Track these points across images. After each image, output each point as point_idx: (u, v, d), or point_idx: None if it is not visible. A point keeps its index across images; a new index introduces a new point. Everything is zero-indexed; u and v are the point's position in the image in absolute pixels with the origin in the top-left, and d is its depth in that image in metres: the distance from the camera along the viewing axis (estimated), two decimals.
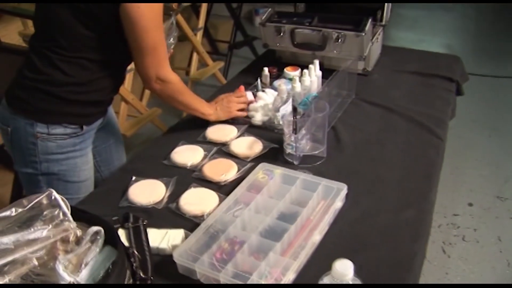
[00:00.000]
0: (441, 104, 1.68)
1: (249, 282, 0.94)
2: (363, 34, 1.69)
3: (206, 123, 1.59)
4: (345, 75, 1.67)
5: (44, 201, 1.01)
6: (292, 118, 1.35)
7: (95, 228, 0.97)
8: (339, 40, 1.73)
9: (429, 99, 1.71)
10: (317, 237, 1.08)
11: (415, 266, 1.06)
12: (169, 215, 1.21)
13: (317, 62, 1.71)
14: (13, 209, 0.95)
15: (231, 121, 1.60)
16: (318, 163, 1.39)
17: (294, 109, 1.37)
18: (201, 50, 3.33)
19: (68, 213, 1.00)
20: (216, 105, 1.58)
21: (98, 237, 0.97)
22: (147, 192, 1.28)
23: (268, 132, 1.54)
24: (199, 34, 3.38)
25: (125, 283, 0.91)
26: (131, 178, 1.34)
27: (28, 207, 0.97)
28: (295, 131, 1.34)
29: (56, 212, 1.00)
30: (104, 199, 1.30)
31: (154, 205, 1.24)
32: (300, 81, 1.61)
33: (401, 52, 2.14)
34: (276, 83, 1.73)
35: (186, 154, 1.43)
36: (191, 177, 1.35)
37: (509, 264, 2.14)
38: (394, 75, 1.89)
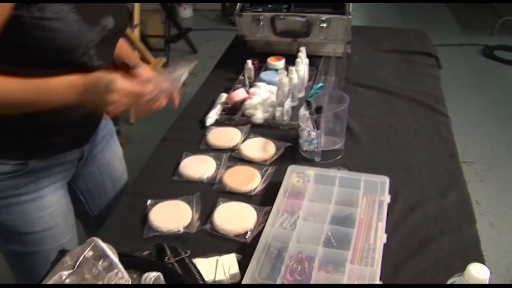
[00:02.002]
0: (432, 80, 1.68)
1: None
2: (349, 17, 1.63)
3: (201, 128, 1.46)
4: (333, 60, 1.60)
5: (89, 254, 0.84)
6: (310, 114, 1.26)
7: (151, 275, 0.83)
8: (324, 25, 1.66)
9: (417, 77, 1.70)
10: (383, 236, 1.01)
11: (481, 251, 1.03)
12: (207, 238, 1.08)
13: (303, 49, 1.63)
14: (61, 274, 0.78)
15: (229, 122, 1.47)
16: (338, 157, 1.32)
17: (309, 104, 1.28)
18: (141, 47, 3.10)
19: (119, 264, 0.84)
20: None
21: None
22: (172, 215, 1.13)
23: (272, 130, 1.44)
24: (136, 31, 3.14)
25: None
26: (146, 202, 1.17)
27: (76, 267, 0.80)
28: (316, 126, 1.25)
29: (104, 265, 0.84)
30: (120, 232, 1.12)
31: (186, 229, 1.10)
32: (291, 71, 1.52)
33: (369, 31, 2.12)
34: (266, 76, 1.63)
35: (197, 166, 1.29)
36: (213, 190, 1.21)
37: (491, 224, 2.24)
38: (374, 55, 1.86)
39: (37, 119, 1.01)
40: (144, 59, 3.23)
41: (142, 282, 0.83)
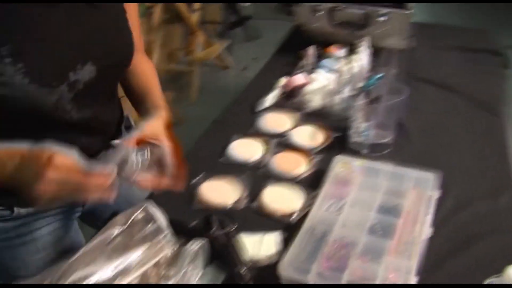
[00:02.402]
0: (495, 80, 1.63)
1: None
2: (409, 12, 1.61)
3: (254, 112, 1.49)
4: (394, 53, 1.59)
5: (140, 216, 0.89)
6: (365, 104, 1.26)
7: (194, 246, 0.87)
8: (383, 19, 1.65)
9: (480, 76, 1.65)
10: (428, 230, 1.01)
11: None
12: (253, 216, 1.11)
13: (366, 40, 1.61)
14: (111, 233, 0.84)
15: (285, 106, 1.49)
16: (386, 151, 1.31)
17: (366, 94, 1.28)
18: (200, 32, 3.18)
19: (167, 228, 0.89)
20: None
21: (199, 256, 0.87)
22: (221, 191, 1.17)
23: (326, 118, 1.44)
24: (196, 15, 3.21)
25: None
26: (197, 177, 1.22)
27: (127, 225, 0.86)
28: (369, 117, 1.25)
29: (152, 228, 0.89)
30: (170, 203, 1.16)
31: (233, 206, 1.14)
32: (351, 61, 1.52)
33: (433, 28, 2.07)
34: (326, 63, 1.63)
35: (245, 150, 1.32)
36: (260, 173, 1.24)
37: None
38: (436, 52, 1.82)
39: None
40: (206, 43, 3.30)
41: (187, 248, 0.87)
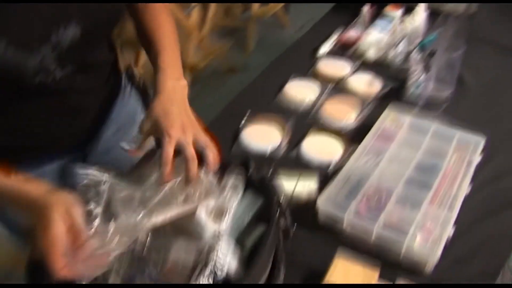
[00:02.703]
0: None
1: (405, 235, 0.87)
2: None
3: (312, 57, 1.48)
4: (451, 15, 1.51)
5: None
6: (422, 56, 1.21)
7: (232, 178, 0.89)
8: None
9: None
10: (467, 188, 0.98)
11: None
12: (292, 162, 1.13)
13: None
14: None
15: (341, 56, 1.47)
16: (441, 107, 1.26)
17: (423, 46, 1.23)
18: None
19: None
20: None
21: (238, 182, 0.89)
22: (262, 136, 1.19)
23: (382, 70, 1.41)
24: None
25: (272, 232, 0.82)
26: (240, 122, 1.24)
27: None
28: (426, 69, 1.21)
29: None
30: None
31: (273, 151, 1.15)
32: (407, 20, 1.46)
33: None
34: (382, 22, 1.58)
35: (299, 91, 1.33)
36: (308, 118, 1.25)
37: None
38: (499, 17, 1.68)
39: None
40: None
41: (223, 183, 0.89)
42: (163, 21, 0.95)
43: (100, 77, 0.98)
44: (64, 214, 0.67)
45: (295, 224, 0.92)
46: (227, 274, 0.76)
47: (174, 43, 0.94)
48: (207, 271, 0.74)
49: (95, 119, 1.01)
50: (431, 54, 1.21)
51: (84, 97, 0.93)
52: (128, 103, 1.10)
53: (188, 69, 2.73)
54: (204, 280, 0.74)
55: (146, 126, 0.82)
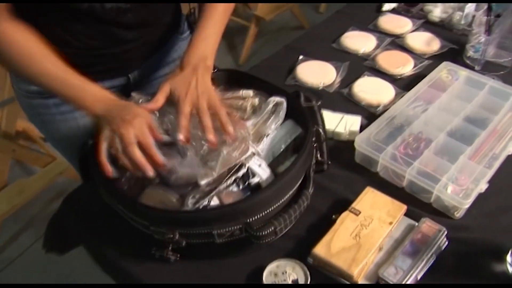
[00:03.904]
0: None
1: (436, 184, 0.87)
2: None
3: (377, 11, 1.47)
4: None
5: None
6: (486, 17, 1.18)
7: (276, 98, 0.93)
8: None
9: None
10: (507, 151, 0.97)
11: None
12: (341, 100, 1.16)
13: None
14: None
15: (406, 14, 1.45)
16: (501, 72, 1.23)
17: (489, 8, 1.20)
18: None
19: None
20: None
21: (279, 108, 0.93)
22: (316, 73, 1.22)
23: (445, 31, 1.39)
24: None
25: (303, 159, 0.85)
26: (298, 56, 1.28)
27: None
28: (488, 32, 1.18)
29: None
30: (266, 74, 1.24)
31: (325, 87, 1.19)
32: None
33: None
34: None
35: (358, 41, 1.34)
36: (363, 65, 1.26)
37: None
38: None
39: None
40: None
41: (267, 104, 0.93)
42: None
43: (153, 14, 0.99)
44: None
45: (329, 161, 0.97)
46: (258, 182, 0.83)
47: (224, 15, 0.96)
48: (240, 173, 0.81)
49: (143, 53, 1.04)
50: (497, 17, 1.17)
51: (133, 31, 0.96)
52: (181, 47, 1.12)
53: (255, 19, 2.75)
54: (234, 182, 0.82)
55: (165, 89, 0.85)
